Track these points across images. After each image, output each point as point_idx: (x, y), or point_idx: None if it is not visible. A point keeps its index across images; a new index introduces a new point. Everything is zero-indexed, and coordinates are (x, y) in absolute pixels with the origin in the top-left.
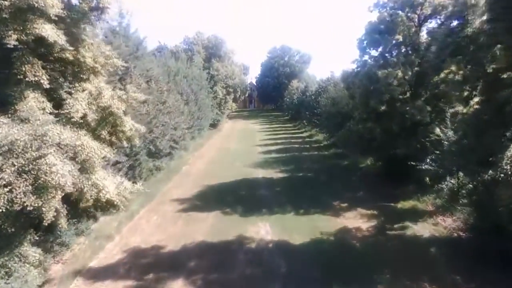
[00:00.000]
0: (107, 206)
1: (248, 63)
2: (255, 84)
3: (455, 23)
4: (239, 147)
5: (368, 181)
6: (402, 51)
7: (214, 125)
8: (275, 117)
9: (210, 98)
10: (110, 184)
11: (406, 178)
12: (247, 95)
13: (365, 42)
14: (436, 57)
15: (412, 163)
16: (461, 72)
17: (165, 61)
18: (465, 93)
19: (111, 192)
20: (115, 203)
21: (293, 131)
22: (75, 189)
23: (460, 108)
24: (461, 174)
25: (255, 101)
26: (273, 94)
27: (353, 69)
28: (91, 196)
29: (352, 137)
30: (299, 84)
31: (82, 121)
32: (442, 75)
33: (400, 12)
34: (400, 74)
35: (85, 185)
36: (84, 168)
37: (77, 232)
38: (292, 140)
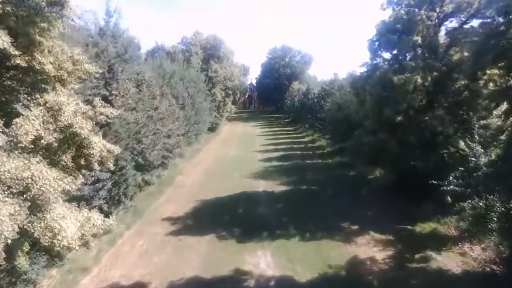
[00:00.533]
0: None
1: (248, 63)
2: (255, 85)
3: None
4: (238, 153)
5: (380, 196)
6: (418, 53)
7: (212, 129)
8: (275, 119)
9: (208, 101)
10: (72, 223)
11: (423, 194)
12: (246, 96)
13: (376, 43)
14: (474, 63)
15: (432, 180)
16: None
17: (160, 63)
18: (505, 106)
19: (69, 236)
20: (75, 248)
21: (294, 136)
22: (21, 235)
23: (493, 120)
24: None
25: (255, 102)
26: (273, 96)
27: (362, 73)
28: (45, 241)
29: (362, 148)
30: (300, 86)
31: (34, 145)
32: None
33: (418, 10)
34: (419, 80)
35: (36, 229)
36: (36, 205)
37: (47, 264)
38: (294, 146)
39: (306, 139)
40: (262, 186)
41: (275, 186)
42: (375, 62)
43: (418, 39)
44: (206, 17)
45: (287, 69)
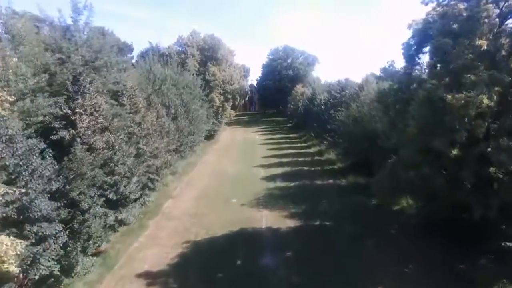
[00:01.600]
0: None
1: (249, 64)
2: (255, 86)
3: None
4: (237, 169)
5: (415, 239)
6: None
7: (210, 136)
8: (277, 123)
9: (205, 108)
10: None
11: (480, 245)
12: (247, 98)
13: (413, 48)
14: None
15: (491, 229)
16: None
17: (150, 67)
18: None
19: None
20: None
21: (299, 145)
22: None
23: None
24: None
25: (256, 104)
26: (275, 98)
27: (392, 85)
28: None
29: (398, 186)
30: (304, 90)
31: None
32: None
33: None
34: (485, 100)
35: None
36: None
37: None
38: (300, 159)
39: (312, 150)
40: (265, 219)
41: (281, 220)
42: (413, 72)
43: (483, 43)
44: (206, 17)
45: (289, 70)
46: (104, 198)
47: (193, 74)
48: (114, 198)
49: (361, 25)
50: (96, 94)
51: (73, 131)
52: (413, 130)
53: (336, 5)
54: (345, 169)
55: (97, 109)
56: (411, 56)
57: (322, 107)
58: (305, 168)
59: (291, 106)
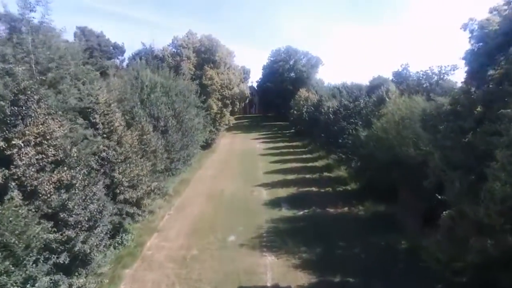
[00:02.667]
0: None
1: (250, 65)
2: (256, 88)
3: None
4: (236, 189)
5: None
6: None
7: (207, 145)
8: (279, 129)
9: (201, 116)
10: None
11: None
12: (247, 101)
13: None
14: None
15: None
16: None
17: (137, 73)
18: None
19: None
20: None
21: (304, 156)
22: None
23: None
24: None
25: (256, 106)
26: (276, 102)
27: (442, 104)
28: None
29: (460, 249)
30: (308, 95)
31: None
32: None
33: None
34: None
35: None
36: None
37: None
38: (307, 176)
39: (319, 164)
40: (270, 270)
41: (290, 273)
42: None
43: None
44: (206, 17)
45: (291, 73)
46: (52, 262)
47: (188, 79)
48: (67, 261)
49: (364, 26)
50: (47, 116)
51: (7, 171)
52: (494, 185)
53: (338, 6)
54: (360, 192)
55: (48, 137)
56: (480, 67)
57: (331, 116)
58: (314, 189)
59: (295, 112)
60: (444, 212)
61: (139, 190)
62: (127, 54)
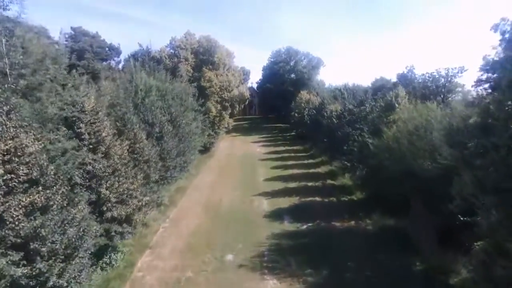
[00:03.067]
0: None
1: (250, 66)
2: (256, 89)
3: None
4: (235, 198)
5: None
6: None
7: (205, 150)
8: (279, 131)
9: (199, 120)
10: None
11: None
12: (246, 103)
13: None
14: None
15: None
16: None
17: (132, 76)
18: None
19: None
20: None
21: (306, 162)
22: None
23: None
24: None
25: (256, 108)
26: (276, 103)
27: (467, 116)
28: None
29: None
30: (310, 97)
31: None
32: None
33: None
34: None
35: None
36: None
37: None
38: (309, 184)
39: (322, 170)
40: None
41: None
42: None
43: None
44: (205, 17)
45: (292, 74)
46: None
47: (185, 81)
48: None
49: (365, 27)
50: (18, 130)
51: None
52: None
53: (339, 6)
54: (366, 202)
55: (19, 153)
56: None
57: (334, 120)
58: (318, 198)
59: (296, 114)
60: (476, 244)
61: (129, 206)
62: (125, 55)
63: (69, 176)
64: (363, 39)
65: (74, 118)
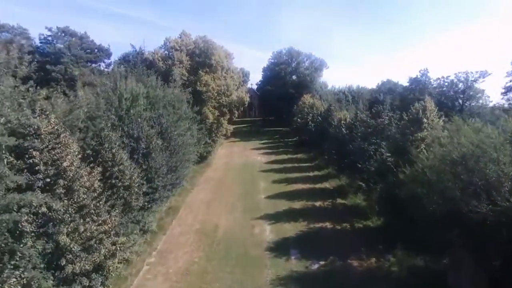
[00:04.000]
0: None
1: (250, 66)
2: (256, 90)
3: None
4: (233, 223)
5: None
6: None
7: (202, 158)
8: (281, 137)
9: (195, 129)
10: None
11: None
12: (246, 105)
13: None
14: None
15: None
16: None
17: (115, 84)
18: None
19: None
20: None
21: (312, 174)
22: None
23: None
24: None
25: (256, 109)
26: (277, 106)
27: None
28: None
29: None
30: (314, 102)
31: None
32: None
33: None
34: None
35: None
36: None
37: None
38: (317, 204)
39: (329, 184)
40: None
41: None
42: None
43: None
44: (204, 17)
45: (293, 76)
46: None
47: (179, 86)
48: None
49: (367, 28)
50: None
51: None
52: None
53: (339, 7)
54: (385, 231)
55: None
56: None
57: (343, 130)
58: (328, 224)
59: (298, 120)
60: None
61: (98, 254)
62: (116, 57)
63: (10, 227)
64: (367, 40)
65: (25, 146)
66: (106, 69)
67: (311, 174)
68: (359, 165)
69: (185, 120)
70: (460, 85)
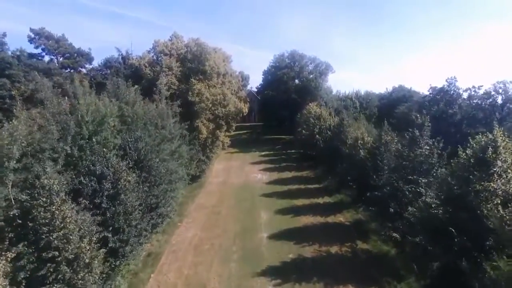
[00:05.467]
0: None
1: (249, 66)
2: (255, 94)
3: None
4: (228, 284)
5: None
6: None
7: (194, 178)
8: (283, 147)
9: (184, 151)
10: None
11: None
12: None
13: None
14: None
15: None
16: None
17: (77, 100)
18: None
19: None
20: None
21: (321, 202)
22: None
23: None
24: None
25: (256, 114)
26: (279, 113)
27: None
28: None
29: None
30: (321, 112)
31: None
32: None
33: None
34: None
35: None
36: None
37: None
38: (333, 250)
39: (344, 218)
40: None
41: None
42: None
43: None
44: (204, 17)
45: (296, 80)
46: None
47: (167, 98)
48: None
49: (368, 27)
50: None
51: None
52: None
53: (340, 7)
54: None
55: None
56: None
57: (362, 152)
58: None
59: (303, 131)
60: None
61: None
62: (100, 63)
63: None
64: (372, 42)
65: None
66: (88, 75)
67: (320, 200)
68: (391, 209)
69: (170, 142)
70: (498, 97)
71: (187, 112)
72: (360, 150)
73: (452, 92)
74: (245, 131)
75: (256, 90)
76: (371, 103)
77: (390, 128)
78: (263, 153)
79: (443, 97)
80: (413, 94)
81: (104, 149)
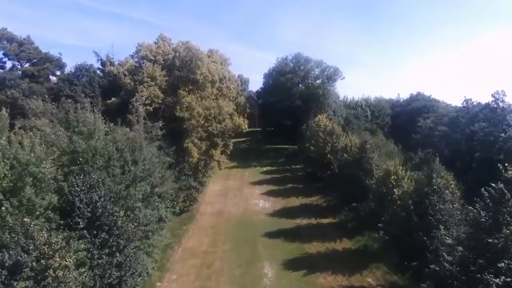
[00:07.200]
0: None
1: (249, 67)
2: (256, 99)
3: None
4: None
5: None
6: None
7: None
8: (286, 160)
9: (167, 182)
10: None
11: None
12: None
13: None
14: None
15: None
16: None
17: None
18: None
19: None
20: None
21: (341, 249)
22: None
23: None
24: None
25: (256, 119)
26: (282, 121)
27: None
28: None
29: None
30: (333, 127)
31: None
32: None
33: None
34: None
35: None
36: None
37: None
38: None
39: (373, 278)
40: None
41: None
42: None
43: None
44: (204, 17)
45: (300, 85)
46: None
47: (145, 118)
48: None
49: (370, 27)
50: None
51: None
52: None
53: (341, 7)
54: None
55: None
56: None
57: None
58: None
59: (311, 147)
60: None
61: None
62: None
63: None
64: (372, 42)
65: None
66: (54, 85)
67: (339, 246)
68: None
69: (145, 180)
70: None
71: (174, 130)
72: (395, 190)
73: (500, 111)
74: (244, 139)
75: (257, 93)
76: (382, 111)
77: (443, 167)
78: (264, 168)
79: (488, 115)
80: (435, 104)
81: (25, 219)
